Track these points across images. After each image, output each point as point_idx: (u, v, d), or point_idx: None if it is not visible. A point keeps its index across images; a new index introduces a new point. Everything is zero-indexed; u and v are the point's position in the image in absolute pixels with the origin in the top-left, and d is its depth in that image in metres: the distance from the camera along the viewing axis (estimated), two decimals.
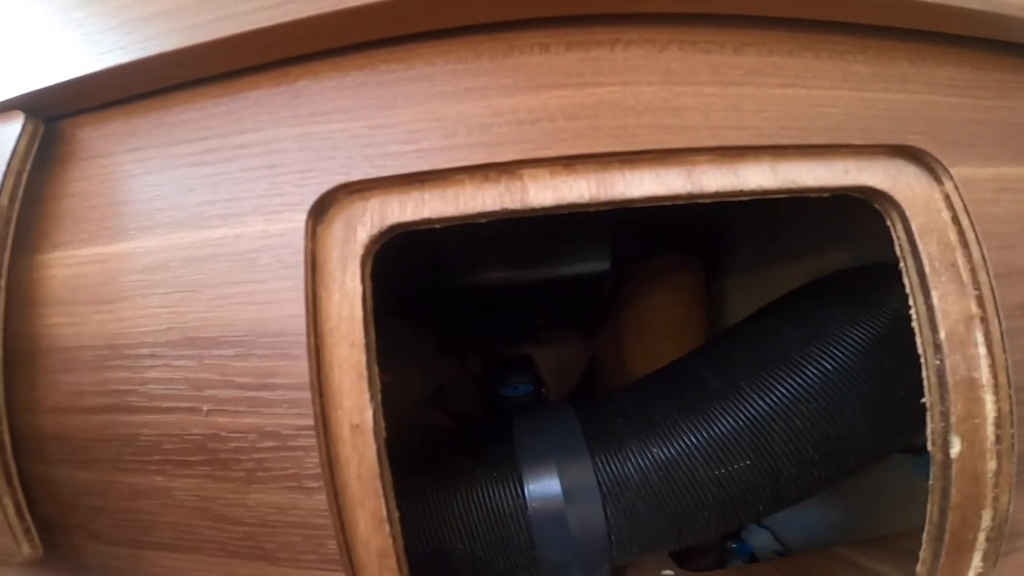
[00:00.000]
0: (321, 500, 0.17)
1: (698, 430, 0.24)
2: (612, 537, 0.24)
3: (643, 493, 0.24)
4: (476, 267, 0.32)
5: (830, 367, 0.23)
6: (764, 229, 0.40)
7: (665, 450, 0.24)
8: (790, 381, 0.23)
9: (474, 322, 0.44)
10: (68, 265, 0.19)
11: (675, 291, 0.38)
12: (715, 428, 0.24)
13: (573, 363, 0.51)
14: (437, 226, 0.18)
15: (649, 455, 0.24)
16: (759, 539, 0.38)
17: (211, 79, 0.21)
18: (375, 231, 0.17)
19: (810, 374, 0.23)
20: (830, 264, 0.31)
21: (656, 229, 0.36)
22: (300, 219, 0.17)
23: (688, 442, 0.24)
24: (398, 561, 0.18)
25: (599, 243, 0.31)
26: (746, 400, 0.24)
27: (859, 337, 0.23)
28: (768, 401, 0.23)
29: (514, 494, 0.24)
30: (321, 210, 0.18)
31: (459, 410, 0.40)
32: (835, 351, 0.23)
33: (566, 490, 0.24)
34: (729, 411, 0.24)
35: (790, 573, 0.29)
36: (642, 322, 0.38)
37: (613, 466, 0.24)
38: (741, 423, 0.23)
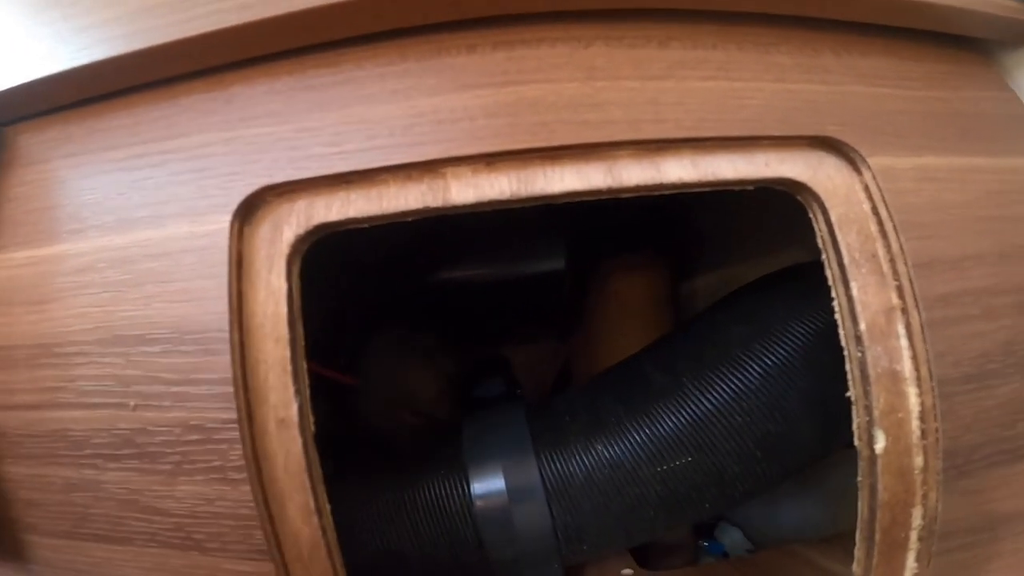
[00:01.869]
0: (246, 491, 0.18)
1: (641, 428, 0.25)
2: (559, 535, 0.25)
3: (588, 491, 0.25)
4: (433, 266, 0.33)
5: (771, 363, 0.24)
6: (734, 226, 0.41)
7: (609, 448, 0.25)
8: (732, 378, 0.24)
9: (445, 323, 0.45)
10: (5, 267, 0.20)
11: (642, 290, 0.39)
12: (658, 426, 0.25)
13: (547, 363, 0.52)
14: (364, 225, 0.19)
15: (593, 453, 0.25)
16: (731, 538, 0.39)
17: (147, 86, 0.22)
18: (301, 231, 0.19)
19: (752, 370, 0.24)
20: (801, 260, 0.32)
21: (620, 227, 0.38)
22: (225, 220, 0.18)
23: (631, 440, 0.25)
24: (329, 552, 0.19)
25: (554, 242, 0.32)
26: (689, 397, 0.25)
27: (800, 332, 0.24)
28: (710, 398, 0.24)
29: (460, 493, 0.26)
30: (248, 212, 0.19)
31: (429, 411, 0.41)
32: (777, 347, 0.25)
33: (510, 488, 0.25)
34: (672, 408, 0.25)
35: (749, 571, 0.30)
36: (610, 321, 0.39)
37: (557, 464, 0.25)
38: (683, 420, 0.24)
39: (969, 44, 0.28)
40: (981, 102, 0.27)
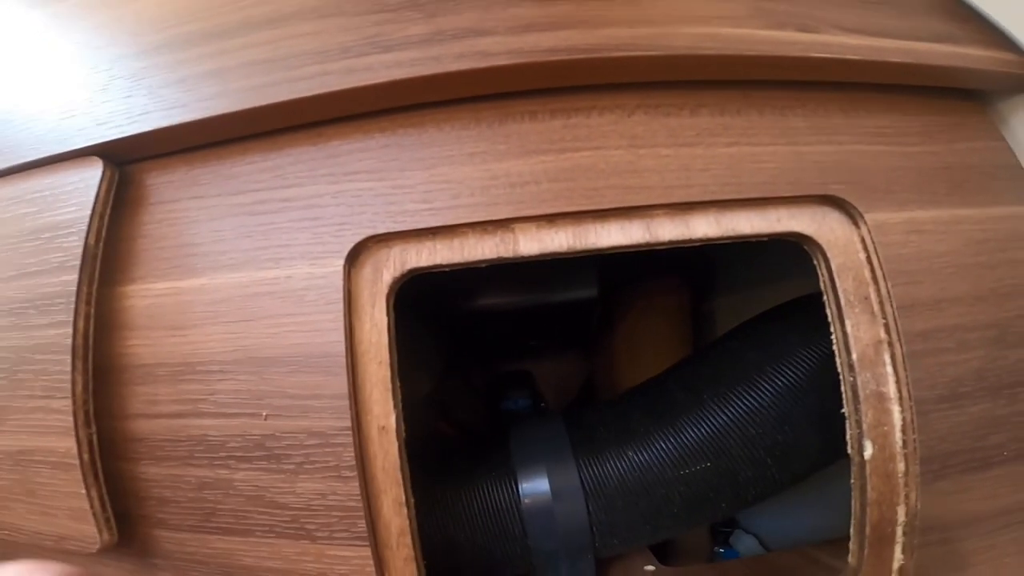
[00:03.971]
0: (355, 487, 0.24)
1: (667, 437, 0.31)
2: (594, 530, 0.31)
3: (620, 491, 0.31)
4: (478, 294, 0.39)
5: (782, 383, 0.30)
6: (748, 255, 0.47)
7: (639, 454, 0.31)
8: (747, 395, 0.31)
9: (477, 341, 0.51)
10: (145, 296, 0.26)
11: (662, 313, 0.45)
12: (682, 435, 0.31)
13: (571, 379, 0.58)
14: (446, 269, 0.25)
15: (626, 458, 0.31)
16: (745, 545, 0.45)
17: (258, 134, 0.28)
18: (397, 274, 0.25)
19: (765, 389, 0.30)
20: (814, 284, 0.39)
21: (644, 256, 0.44)
22: (339, 264, 0.24)
23: (658, 447, 0.31)
24: (412, 539, 0.26)
25: (587, 272, 0.38)
26: (709, 411, 0.31)
27: (807, 356, 0.31)
28: (728, 412, 0.31)
29: (510, 491, 0.32)
30: (355, 256, 0.25)
31: (462, 422, 0.48)
32: (787, 370, 0.31)
33: (553, 488, 0.31)
34: (694, 421, 0.31)
35: (759, 570, 0.36)
36: (632, 342, 0.45)
37: (594, 468, 0.31)
38: (704, 431, 0.31)
39: (965, 94, 0.34)
40: (972, 153, 0.33)
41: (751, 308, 0.38)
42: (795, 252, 0.43)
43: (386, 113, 0.28)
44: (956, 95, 0.34)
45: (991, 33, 0.34)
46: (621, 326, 0.46)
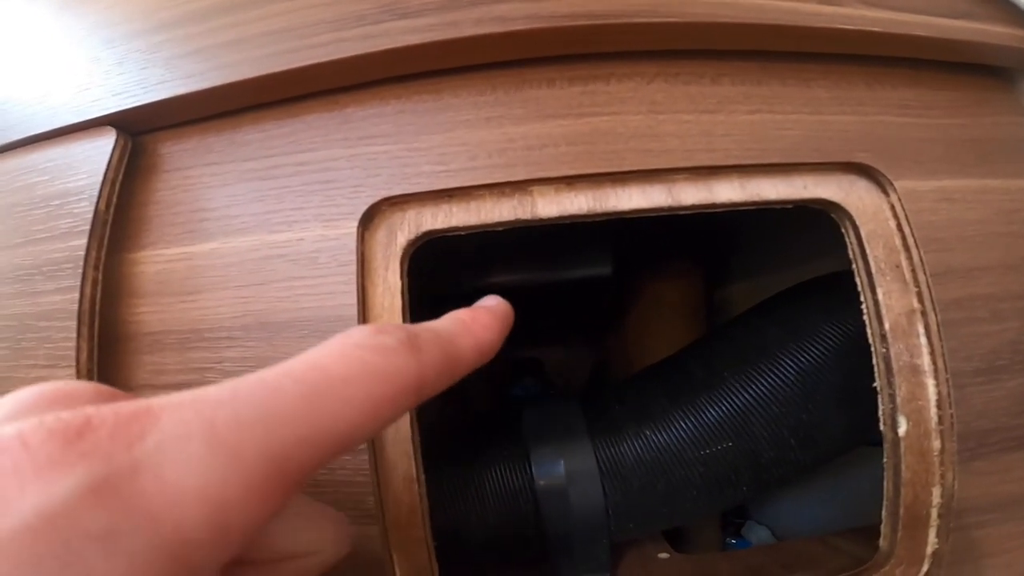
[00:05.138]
0: (364, 460, 0.22)
1: (687, 416, 0.29)
2: (610, 512, 0.30)
3: (637, 472, 0.29)
4: (487, 270, 0.38)
5: (805, 361, 0.29)
6: (769, 236, 0.45)
7: (657, 434, 0.29)
8: (769, 373, 0.29)
9: None
10: (156, 262, 0.25)
11: (678, 295, 0.43)
12: (702, 414, 0.29)
13: (581, 369, 0.56)
14: (462, 233, 0.24)
15: (643, 437, 0.29)
16: (758, 536, 0.43)
17: (272, 103, 0.27)
18: (412, 236, 0.23)
19: (787, 367, 0.29)
20: (832, 268, 0.37)
21: (660, 236, 0.42)
22: (352, 226, 0.23)
23: (677, 426, 0.29)
24: (423, 517, 0.24)
25: (602, 249, 0.36)
26: (730, 390, 0.29)
27: (832, 333, 0.29)
28: (749, 391, 0.29)
29: (523, 472, 0.30)
30: (368, 218, 0.23)
31: (471, 408, 0.46)
32: (811, 347, 0.29)
33: (568, 470, 0.29)
34: (714, 399, 0.29)
35: (777, 557, 0.34)
36: (646, 323, 0.44)
37: (611, 448, 0.30)
38: (725, 410, 0.29)
39: (989, 71, 0.33)
40: (998, 127, 0.31)
41: (765, 295, 0.36)
42: (810, 237, 0.41)
43: (402, 80, 0.26)
44: (979, 71, 0.32)
45: (1010, 12, 0.33)
46: (633, 310, 0.45)
